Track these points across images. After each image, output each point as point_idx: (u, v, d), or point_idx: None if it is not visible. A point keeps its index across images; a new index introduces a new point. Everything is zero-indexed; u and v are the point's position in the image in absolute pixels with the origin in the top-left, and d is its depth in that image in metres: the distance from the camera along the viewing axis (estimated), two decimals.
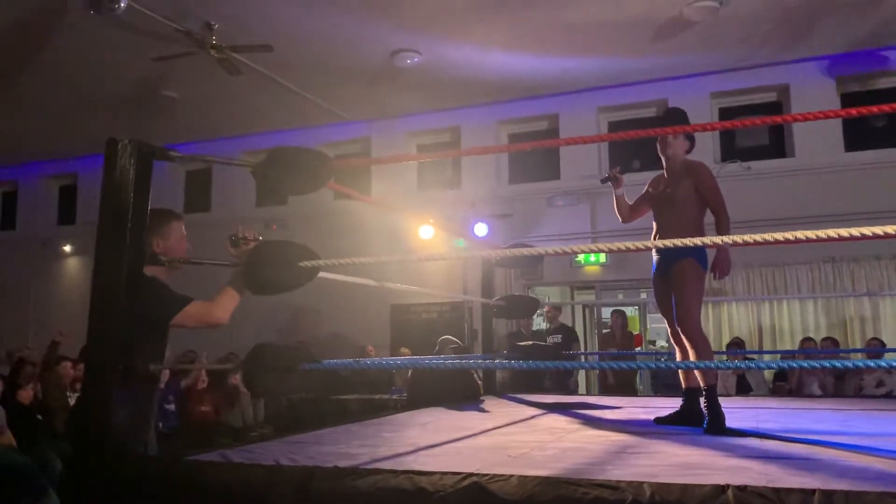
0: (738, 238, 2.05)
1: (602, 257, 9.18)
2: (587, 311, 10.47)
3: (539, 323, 9.53)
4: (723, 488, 1.75)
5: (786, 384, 7.19)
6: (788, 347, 8.05)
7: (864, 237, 1.95)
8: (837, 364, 2.03)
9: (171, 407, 7.34)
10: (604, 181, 4.20)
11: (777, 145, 9.00)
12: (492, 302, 5.38)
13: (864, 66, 8.43)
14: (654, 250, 3.63)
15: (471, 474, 1.96)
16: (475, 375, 5.59)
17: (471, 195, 9.84)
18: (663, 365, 2.66)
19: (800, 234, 2.07)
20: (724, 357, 7.36)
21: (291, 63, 8.23)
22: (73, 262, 11.96)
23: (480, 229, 8.89)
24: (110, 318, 2.30)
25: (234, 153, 10.36)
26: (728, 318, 8.54)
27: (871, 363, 2.10)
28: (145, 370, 2.44)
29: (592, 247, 2.24)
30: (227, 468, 2.33)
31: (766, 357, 7.85)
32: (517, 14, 7.26)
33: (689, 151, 3.82)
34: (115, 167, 2.36)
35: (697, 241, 2.15)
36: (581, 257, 9.21)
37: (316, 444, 2.88)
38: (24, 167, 12.47)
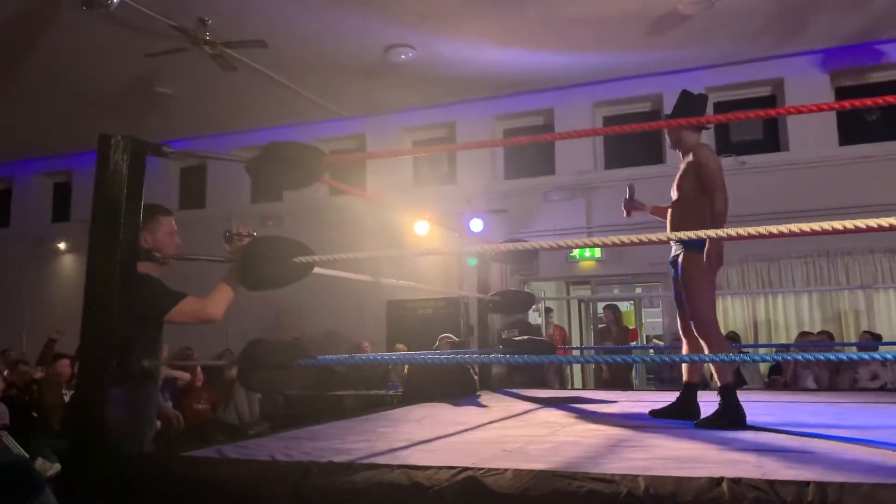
0: (732, 231, 2.06)
1: (597, 252, 9.19)
2: (583, 305, 10.49)
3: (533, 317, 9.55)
4: (717, 481, 1.75)
5: (781, 377, 7.21)
6: (783, 341, 8.08)
7: (857, 230, 1.95)
8: (832, 357, 2.04)
9: (169, 405, 7.32)
10: (629, 214, 4.01)
11: (771, 139, 9.02)
12: (487, 297, 5.38)
13: (858, 60, 8.45)
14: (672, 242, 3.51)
15: (466, 468, 1.96)
16: (471, 370, 5.59)
17: (466, 191, 9.84)
18: (657, 358, 2.64)
19: (794, 228, 2.07)
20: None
21: (286, 59, 8.21)
22: (67, 260, 11.92)
23: (476, 225, 8.90)
24: (104, 315, 2.29)
25: (229, 149, 10.33)
26: (723, 312, 8.56)
27: (866, 355, 2.10)
28: (140, 367, 2.43)
29: (588, 241, 2.24)
30: (223, 464, 2.33)
31: (762, 350, 7.88)
32: (511, 9, 7.25)
33: (698, 140, 3.60)
34: (108, 163, 2.35)
35: (683, 235, 2.14)
36: (576, 252, 9.22)
37: (311, 439, 2.88)
38: (18, 164, 12.42)
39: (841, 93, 8.71)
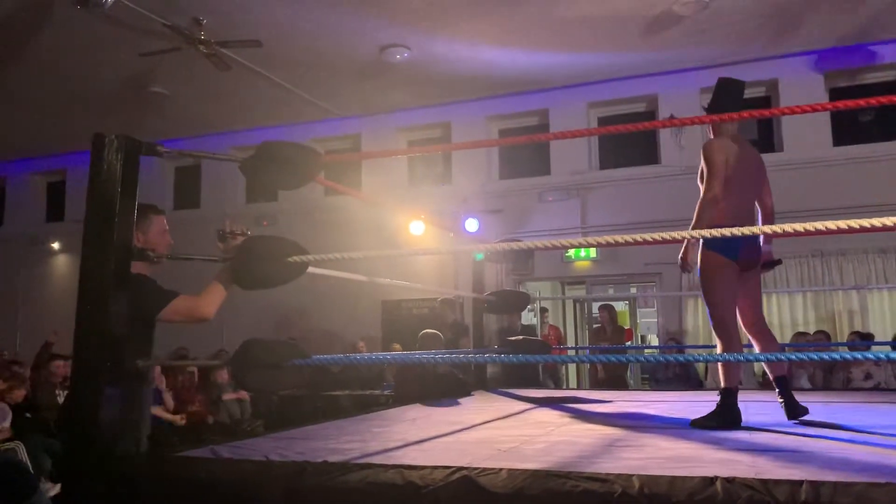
0: (726, 231, 2.06)
1: (592, 252, 9.20)
2: (578, 305, 10.50)
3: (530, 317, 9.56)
4: (711, 480, 1.76)
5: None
6: (778, 341, 8.10)
7: (851, 230, 1.96)
8: (826, 357, 2.04)
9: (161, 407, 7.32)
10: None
11: (766, 140, 9.04)
12: (483, 297, 5.38)
13: (852, 61, 8.47)
14: None
15: (461, 468, 1.96)
16: (456, 371, 5.53)
17: (462, 191, 9.85)
18: (651, 358, 2.63)
19: (787, 228, 2.08)
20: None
21: (280, 58, 8.21)
22: (61, 260, 11.89)
23: (471, 225, 8.90)
24: (98, 315, 2.29)
25: (224, 149, 10.32)
26: None
27: (859, 355, 2.11)
28: (134, 367, 2.43)
29: (583, 241, 2.24)
30: (216, 464, 2.33)
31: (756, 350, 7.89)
32: (507, 9, 7.26)
33: (717, 133, 3.46)
34: (102, 162, 2.35)
35: (667, 235, 2.14)
36: (571, 252, 9.24)
37: (306, 439, 2.88)
38: (12, 164, 12.38)
39: (835, 93, 8.74)
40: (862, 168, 8.17)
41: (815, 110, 2.47)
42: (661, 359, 3.18)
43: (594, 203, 9.32)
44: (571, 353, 9.87)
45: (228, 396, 8.07)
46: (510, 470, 1.92)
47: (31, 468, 5.14)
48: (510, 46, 8.14)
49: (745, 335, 3.55)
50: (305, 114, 10.07)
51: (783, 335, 8.17)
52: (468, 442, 2.85)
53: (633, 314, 11.03)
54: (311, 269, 2.65)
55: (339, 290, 8.64)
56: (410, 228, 8.90)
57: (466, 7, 7.20)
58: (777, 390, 3.32)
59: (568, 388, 8.73)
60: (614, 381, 7.97)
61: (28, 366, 7.42)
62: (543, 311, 9.97)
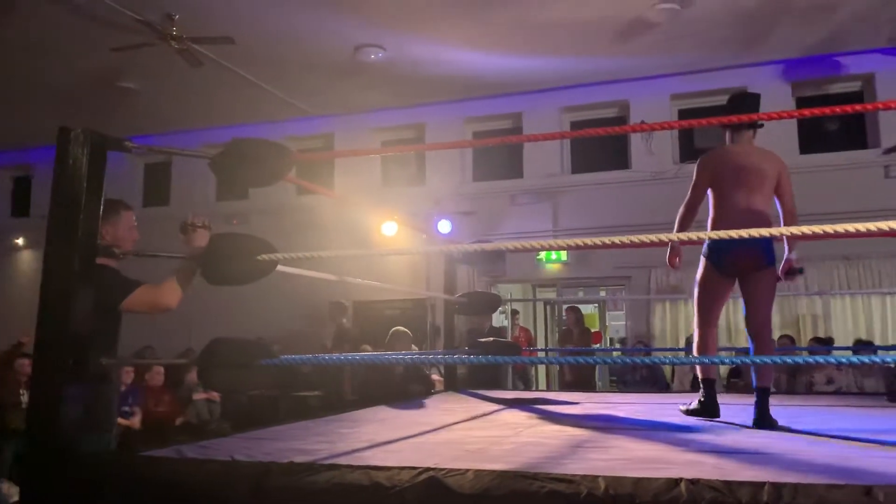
0: (693, 235, 2.09)
1: (563, 255, 9.27)
2: (548, 308, 10.57)
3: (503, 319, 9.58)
4: (676, 482, 1.78)
5: (740, 381, 7.34)
6: (743, 345, 8.23)
7: (815, 236, 2.00)
8: (788, 360, 2.08)
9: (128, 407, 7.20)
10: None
11: None
12: (454, 298, 5.38)
13: (819, 71, 8.65)
14: None
15: (427, 469, 1.95)
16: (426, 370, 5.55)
17: (435, 192, 9.85)
18: (619, 360, 2.65)
19: (754, 232, 2.11)
20: (682, 354, 7.51)
21: (254, 56, 8.14)
22: (26, 256, 11.68)
23: (444, 226, 8.92)
24: (60, 313, 2.25)
25: (195, 146, 10.20)
26: (685, 317, 8.69)
27: (821, 359, 2.16)
28: (96, 364, 2.39)
29: (553, 243, 2.26)
30: (181, 464, 2.30)
31: (722, 353, 8.01)
32: (482, 12, 7.28)
33: (730, 139, 3.69)
34: (68, 157, 2.30)
35: (636, 238, 2.16)
36: (543, 255, 9.29)
37: (273, 439, 2.85)
38: None
39: (802, 102, 8.90)
40: (828, 175, 8.32)
41: (781, 118, 2.51)
42: (629, 361, 3.22)
43: (565, 206, 9.39)
44: (541, 354, 9.92)
45: (199, 396, 7.98)
46: (477, 471, 1.92)
47: None
48: (485, 49, 8.16)
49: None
50: (279, 112, 10.00)
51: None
52: (436, 443, 2.85)
53: (602, 317, 11.12)
54: (281, 268, 2.63)
55: (312, 290, 8.59)
56: (383, 229, 8.89)
57: (442, 9, 7.21)
58: (755, 399, 3.34)
59: (537, 390, 8.77)
60: (582, 383, 8.03)
61: None
62: (514, 312, 10.01)
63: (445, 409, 4.28)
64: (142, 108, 9.67)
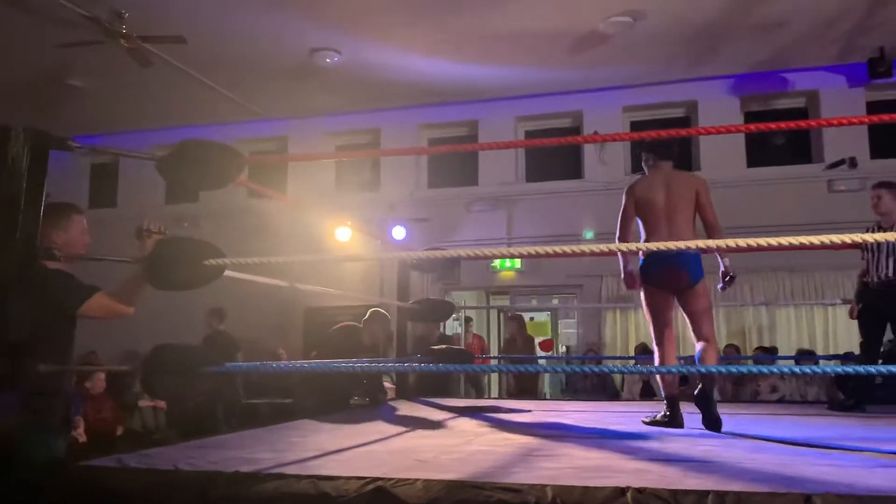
0: (641, 246, 2.11)
1: (517, 263, 9.32)
2: (502, 315, 10.60)
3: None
4: (622, 490, 1.79)
5: (686, 389, 7.46)
6: (690, 354, 8.39)
7: (759, 248, 2.04)
8: (733, 370, 2.12)
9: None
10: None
11: (684, 159, 9.35)
12: (407, 305, 5.36)
13: (766, 86, 8.89)
14: None
15: (376, 479, 1.93)
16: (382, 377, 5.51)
17: (389, 198, 9.81)
18: (568, 368, 2.68)
19: (701, 244, 2.15)
20: (632, 363, 7.62)
21: (206, 57, 8.01)
22: None
23: (398, 233, 8.88)
24: None
25: (144, 147, 9.93)
26: (635, 325, 8.82)
27: (765, 369, 2.21)
28: (34, 371, 2.30)
29: (506, 252, 2.26)
30: (122, 474, 2.23)
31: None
32: (438, 19, 7.30)
33: (649, 170, 3.95)
34: (7, 156, 2.22)
35: (586, 248, 2.19)
36: (497, 263, 9.33)
37: (219, 448, 2.79)
38: None
39: (750, 117, 9.14)
40: (774, 189, 8.54)
41: (729, 132, 2.56)
42: (579, 370, 3.25)
43: (520, 215, 9.46)
44: (494, 362, 9.94)
45: (145, 403, 7.79)
46: (426, 481, 1.91)
47: None
48: (442, 56, 8.18)
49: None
50: (231, 114, 9.85)
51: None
52: (386, 452, 2.82)
53: (554, 325, 11.21)
54: (230, 273, 2.59)
55: (263, 296, 8.43)
56: (336, 235, 8.81)
57: (398, 14, 7.21)
58: (701, 402, 3.50)
59: (490, 398, 8.78)
60: (527, 391, 8.04)
61: None
62: (468, 320, 10.02)
63: (397, 417, 4.25)
64: (91, 107, 9.43)
